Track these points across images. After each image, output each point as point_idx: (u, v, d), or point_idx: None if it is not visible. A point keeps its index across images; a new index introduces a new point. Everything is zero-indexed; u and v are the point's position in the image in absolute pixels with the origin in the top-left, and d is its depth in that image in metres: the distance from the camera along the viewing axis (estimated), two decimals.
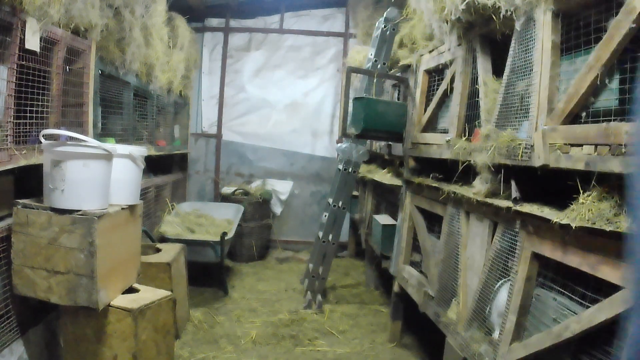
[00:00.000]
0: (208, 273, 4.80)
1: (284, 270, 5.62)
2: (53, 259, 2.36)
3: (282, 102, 6.65)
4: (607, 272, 1.52)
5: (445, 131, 3.00)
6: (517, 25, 2.11)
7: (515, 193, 2.06)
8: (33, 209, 2.37)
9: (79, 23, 2.82)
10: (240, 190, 6.07)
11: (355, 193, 5.79)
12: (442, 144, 2.87)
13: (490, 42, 2.54)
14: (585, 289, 1.67)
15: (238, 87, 6.65)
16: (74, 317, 2.52)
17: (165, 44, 4.51)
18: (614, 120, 1.57)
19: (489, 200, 2.24)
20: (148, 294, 2.73)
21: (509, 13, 2.11)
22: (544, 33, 1.92)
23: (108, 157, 2.50)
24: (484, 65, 2.53)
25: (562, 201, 1.79)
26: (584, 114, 1.75)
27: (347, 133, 3.76)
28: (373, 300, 4.68)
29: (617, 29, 1.52)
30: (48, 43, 2.57)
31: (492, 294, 2.23)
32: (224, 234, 4.34)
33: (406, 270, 3.47)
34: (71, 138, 2.40)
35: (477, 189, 2.34)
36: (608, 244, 1.52)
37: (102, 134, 3.58)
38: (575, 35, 1.83)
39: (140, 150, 2.87)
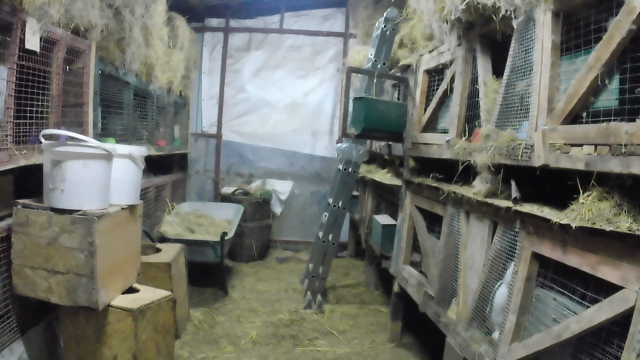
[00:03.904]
0: (208, 273, 4.80)
1: (284, 270, 5.62)
2: (53, 259, 2.36)
3: (282, 102, 6.65)
4: (607, 272, 1.52)
5: (445, 131, 3.00)
6: (517, 25, 2.11)
7: (515, 193, 2.06)
8: (33, 209, 2.37)
9: (79, 23, 2.82)
10: (240, 190, 6.07)
11: (355, 193, 5.79)
12: (442, 144, 2.87)
13: (490, 42, 2.54)
14: (585, 289, 1.67)
15: (238, 87, 6.65)
16: (74, 317, 2.52)
17: (165, 44, 4.51)
18: (614, 120, 1.57)
19: (489, 200, 2.24)
20: (148, 294, 2.73)
21: (508, 13, 2.11)
22: (544, 33, 1.92)
23: (108, 157, 2.50)
24: (484, 65, 2.53)
25: (562, 201, 1.79)
26: (584, 114, 1.76)
27: (347, 133, 3.76)
28: (373, 300, 4.68)
29: (617, 29, 1.53)
30: (48, 43, 2.57)
31: (492, 294, 2.23)
32: (224, 234, 4.34)
33: (406, 270, 3.47)
34: (71, 138, 2.40)
35: (477, 189, 2.34)
36: (608, 244, 1.52)
37: (102, 134, 3.58)
38: (575, 35, 1.83)
39: (140, 150, 2.87)
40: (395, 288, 3.66)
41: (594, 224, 1.52)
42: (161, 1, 4.24)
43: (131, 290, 2.81)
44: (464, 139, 2.60)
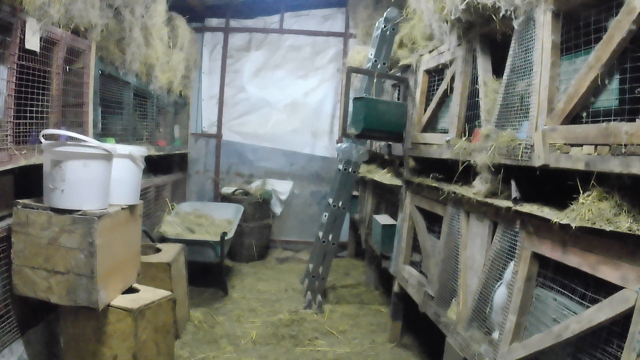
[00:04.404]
0: (208, 273, 4.80)
1: (284, 270, 5.62)
2: (53, 259, 2.36)
3: (282, 102, 6.65)
4: (607, 272, 1.52)
5: (445, 131, 3.00)
6: (517, 25, 2.11)
7: (515, 193, 2.06)
8: (33, 209, 2.37)
9: (79, 23, 2.82)
10: (240, 190, 6.07)
11: (355, 193, 5.79)
12: (442, 144, 2.87)
13: (490, 42, 2.54)
14: (585, 289, 1.67)
15: (238, 87, 6.65)
16: (74, 317, 2.52)
17: (165, 44, 4.51)
18: (614, 120, 1.57)
19: (489, 200, 2.24)
20: (148, 294, 2.73)
21: (508, 13, 2.11)
22: (544, 33, 1.92)
23: (108, 157, 2.50)
24: (484, 65, 2.53)
25: (562, 201, 1.79)
26: (584, 114, 1.76)
27: (347, 133, 3.76)
28: (373, 300, 4.68)
29: (617, 29, 1.53)
30: (48, 43, 2.57)
31: (492, 294, 2.23)
32: (224, 234, 4.34)
33: (406, 270, 3.47)
34: (71, 138, 2.40)
35: (477, 189, 2.34)
36: (608, 244, 1.52)
37: (102, 134, 3.58)
38: (575, 35, 1.83)
39: (140, 150, 2.87)
40: (395, 288, 3.66)
41: (594, 224, 1.52)
42: (161, 1, 4.24)
43: (131, 290, 2.81)
44: (464, 139, 2.60)
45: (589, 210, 1.57)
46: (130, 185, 2.81)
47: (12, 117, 2.33)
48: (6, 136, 2.30)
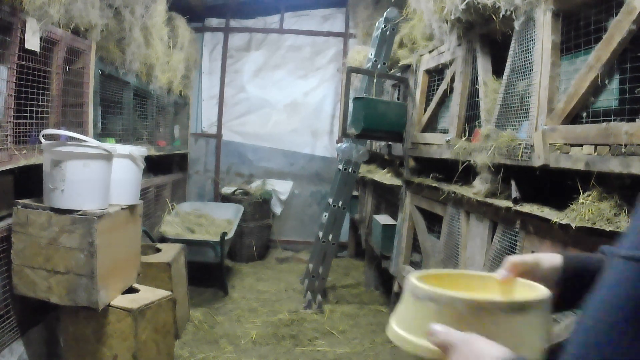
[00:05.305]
0: (208, 273, 4.79)
1: (284, 270, 5.62)
2: (53, 259, 2.36)
3: (282, 102, 6.65)
4: None
5: (445, 131, 3.00)
6: (517, 25, 2.11)
7: (515, 193, 2.06)
8: (33, 209, 2.37)
9: (79, 23, 2.82)
10: (240, 190, 6.07)
11: (355, 193, 5.79)
12: (442, 144, 2.87)
13: (490, 42, 2.54)
14: None
15: (238, 87, 6.65)
16: (74, 317, 2.52)
17: (165, 44, 4.51)
18: (614, 120, 1.57)
19: (489, 200, 2.24)
20: (148, 294, 2.73)
21: (508, 13, 2.11)
22: (544, 33, 1.93)
23: (108, 157, 2.50)
24: (484, 65, 2.53)
25: (562, 201, 1.79)
26: (584, 114, 1.76)
27: (347, 133, 3.76)
28: (373, 300, 4.68)
29: (617, 29, 1.53)
30: (48, 43, 2.57)
31: None
32: (224, 234, 4.34)
33: (406, 270, 3.47)
34: (71, 138, 2.40)
35: (477, 189, 2.34)
36: (608, 244, 1.51)
37: (102, 134, 3.58)
38: (575, 35, 1.83)
39: (140, 150, 2.87)
40: (395, 288, 3.66)
41: (594, 224, 1.52)
42: (161, 1, 4.24)
43: (131, 290, 2.81)
44: (464, 139, 2.60)
45: (589, 210, 1.57)
46: (130, 185, 2.81)
47: (12, 117, 2.33)
48: (6, 136, 2.30)
